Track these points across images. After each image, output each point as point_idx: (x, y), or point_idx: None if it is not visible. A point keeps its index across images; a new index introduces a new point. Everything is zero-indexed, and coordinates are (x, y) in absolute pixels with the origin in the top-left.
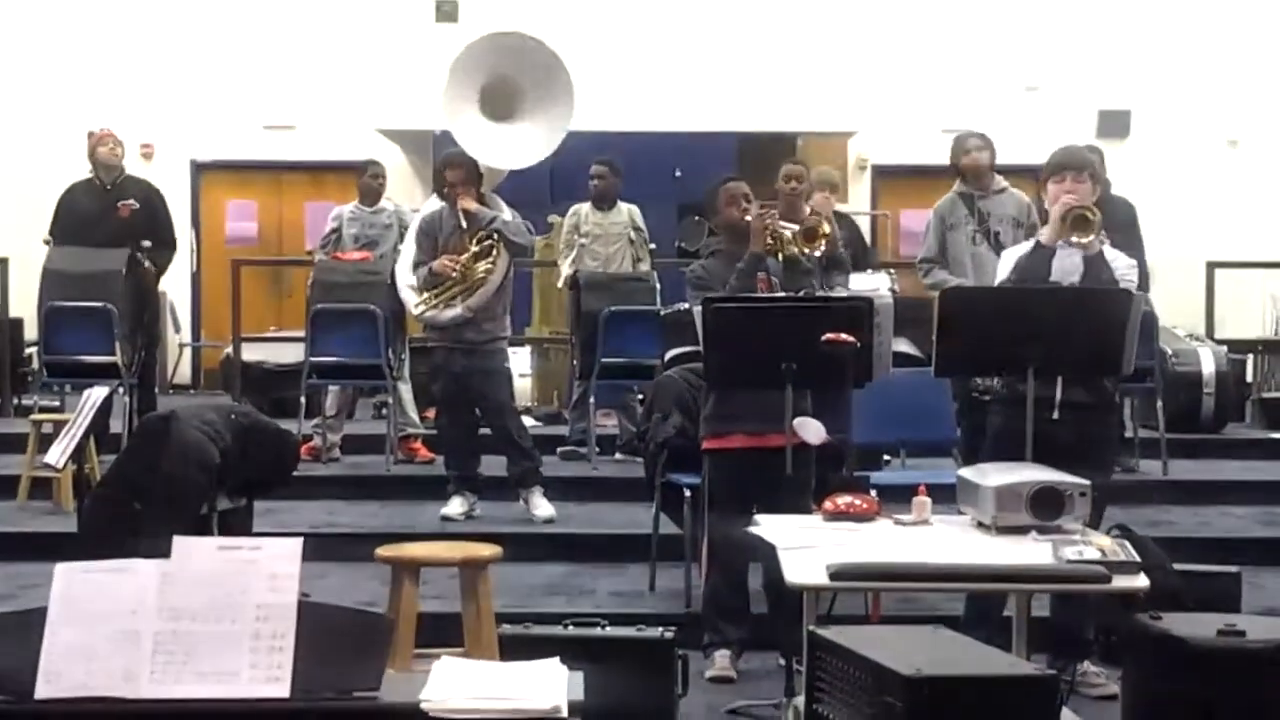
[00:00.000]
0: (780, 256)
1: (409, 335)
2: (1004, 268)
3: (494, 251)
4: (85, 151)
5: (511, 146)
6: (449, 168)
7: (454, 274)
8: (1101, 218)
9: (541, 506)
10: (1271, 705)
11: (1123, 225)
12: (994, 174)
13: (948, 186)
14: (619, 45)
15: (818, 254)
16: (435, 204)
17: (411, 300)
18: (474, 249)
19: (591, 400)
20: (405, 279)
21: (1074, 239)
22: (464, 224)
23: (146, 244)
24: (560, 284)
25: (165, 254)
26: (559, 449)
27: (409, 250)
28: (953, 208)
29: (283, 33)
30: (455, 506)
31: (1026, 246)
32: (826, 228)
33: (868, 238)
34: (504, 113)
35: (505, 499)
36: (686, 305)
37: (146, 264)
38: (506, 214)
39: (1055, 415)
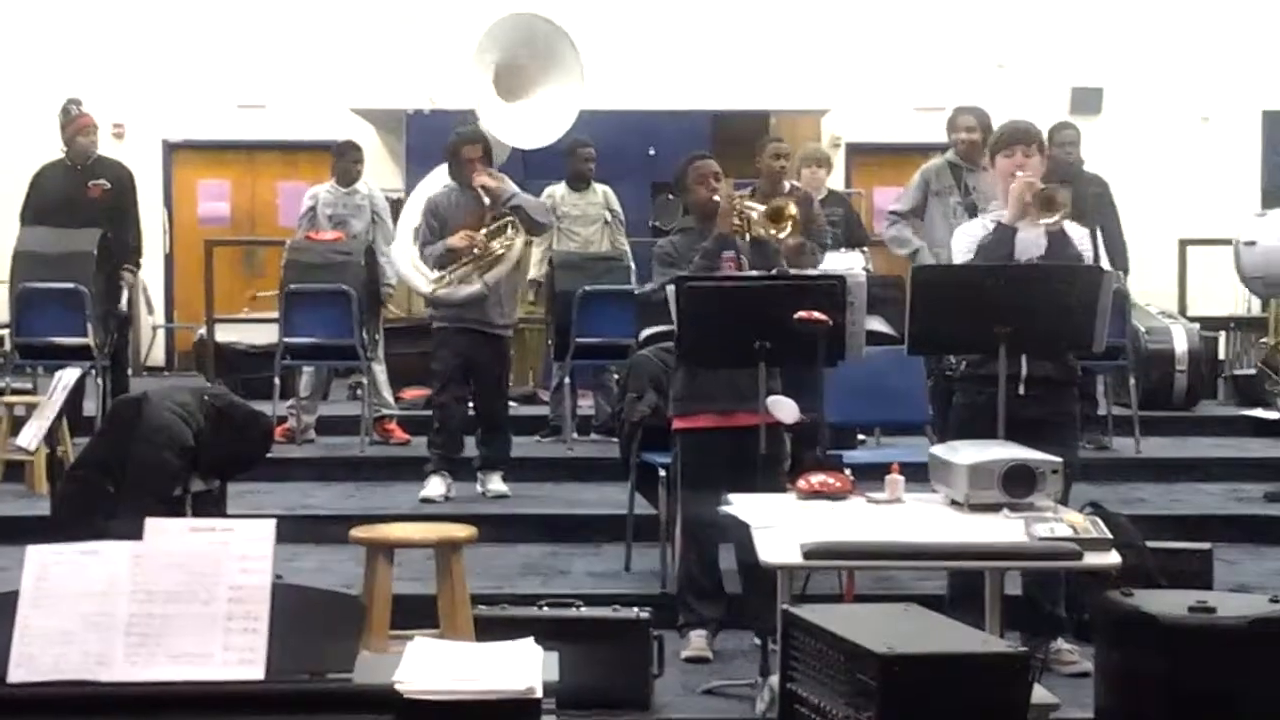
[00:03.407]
0: (747, 237)
1: (384, 317)
2: (960, 247)
3: (508, 229)
4: (59, 130)
5: (526, 125)
6: (466, 144)
7: (475, 249)
8: (1068, 194)
9: (497, 483)
10: (1242, 681)
11: (1096, 202)
12: (986, 150)
13: (920, 164)
14: (592, 24)
15: (784, 235)
16: (432, 185)
17: (420, 281)
18: (490, 226)
19: (568, 381)
20: (406, 259)
21: (1042, 220)
22: (486, 200)
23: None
24: (532, 273)
25: (130, 239)
26: (538, 434)
27: (406, 231)
28: (940, 175)
29: (255, 11)
30: (436, 487)
31: (977, 225)
32: (794, 209)
33: None
34: (516, 93)
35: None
36: (651, 285)
37: (125, 270)
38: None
39: (1021, 391)
